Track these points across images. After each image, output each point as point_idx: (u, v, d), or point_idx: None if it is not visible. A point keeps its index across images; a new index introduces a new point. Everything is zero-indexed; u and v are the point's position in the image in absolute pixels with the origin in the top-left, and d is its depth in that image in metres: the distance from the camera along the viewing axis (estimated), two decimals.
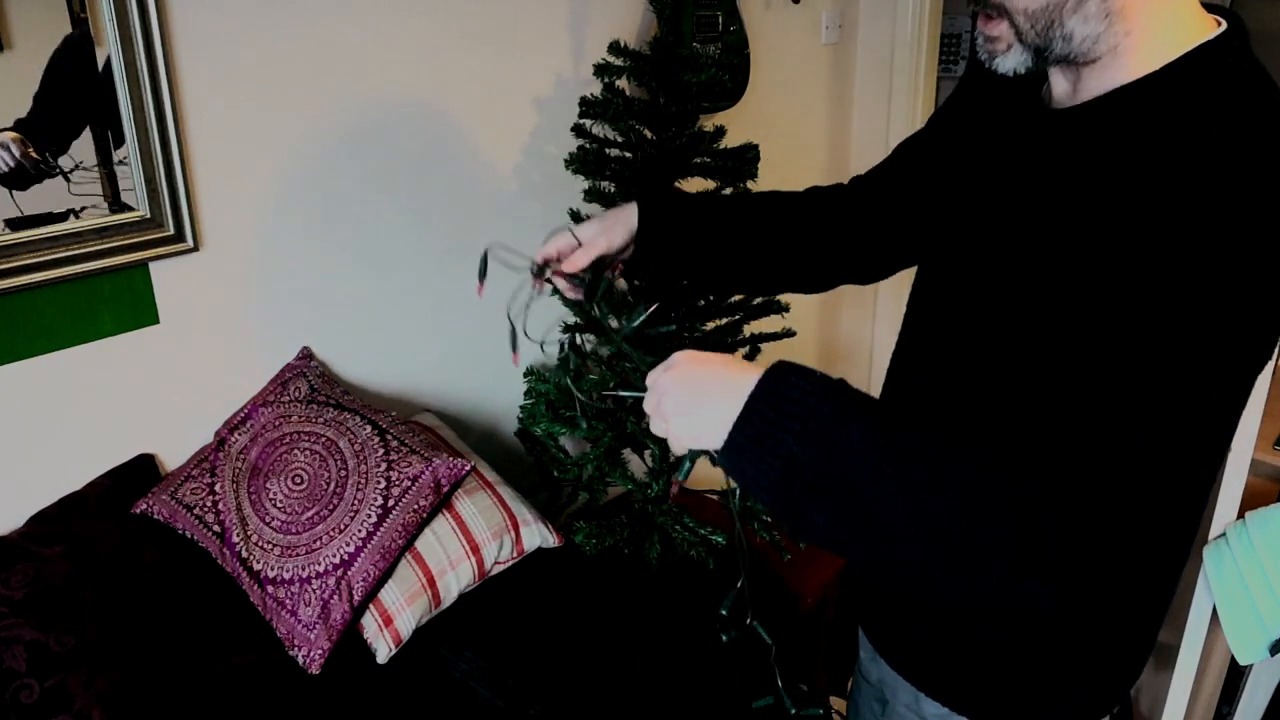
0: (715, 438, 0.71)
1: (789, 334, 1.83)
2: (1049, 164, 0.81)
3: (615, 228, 1.04)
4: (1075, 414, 0.69)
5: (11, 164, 1.27)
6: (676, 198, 1.10)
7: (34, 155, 1.25)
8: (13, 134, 1.26)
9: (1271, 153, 0.68)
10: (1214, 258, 0.66)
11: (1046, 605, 0.65)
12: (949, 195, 0.94)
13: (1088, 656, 0.91)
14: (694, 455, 0.76)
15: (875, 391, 2.74)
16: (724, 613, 0.86)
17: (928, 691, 1.01)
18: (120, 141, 1.36)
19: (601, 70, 1.69)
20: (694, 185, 1.80)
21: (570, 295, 1.03)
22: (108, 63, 1.32)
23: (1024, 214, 0.81)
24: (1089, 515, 0.65)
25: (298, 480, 1.46)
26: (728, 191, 1.79)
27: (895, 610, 1.03)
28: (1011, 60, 0.79)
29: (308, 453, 1.49)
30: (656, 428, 0.76)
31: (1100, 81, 0.78)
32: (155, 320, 1.47)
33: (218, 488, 1.46)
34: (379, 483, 1.46)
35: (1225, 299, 0.66)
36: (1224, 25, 0.76)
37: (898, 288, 2.84)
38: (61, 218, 1.33)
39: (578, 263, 1.01)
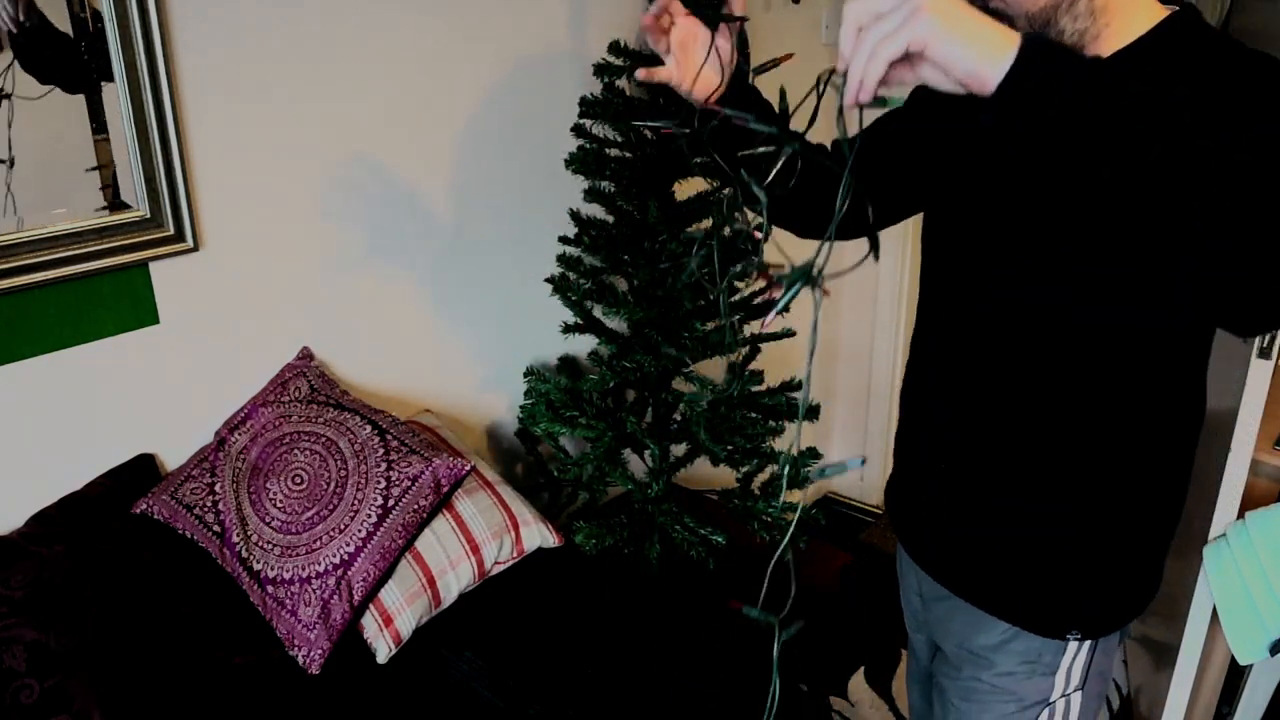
0: (993, 45, 0.67)
1: (789, 334, 1.83)
2: None
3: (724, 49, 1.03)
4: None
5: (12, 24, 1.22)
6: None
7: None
8: None
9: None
10: None
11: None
12: (945, 146, 1.04)
13: (1114, 550, 1.02)
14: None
15: (877, 396, 2.71)
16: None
17: (964, 594, 1.08)
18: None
19: (601, 70, 1.69)
20: (694, 185, 1.80)
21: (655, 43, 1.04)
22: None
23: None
24: None
25: (298, 480, 1.46)
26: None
27: (938, 515, 1.11)
28: None
29: (308, 453, 1.49)
30: (881, 28, 0.69)
31: None
32: (155, 320, 1.47)
33: (218, 488, 1.46)
34: (379, 483, 1.46)
35: None
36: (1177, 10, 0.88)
37: (896, 293, 2.84)
38: (61, 217, 1.33)
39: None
